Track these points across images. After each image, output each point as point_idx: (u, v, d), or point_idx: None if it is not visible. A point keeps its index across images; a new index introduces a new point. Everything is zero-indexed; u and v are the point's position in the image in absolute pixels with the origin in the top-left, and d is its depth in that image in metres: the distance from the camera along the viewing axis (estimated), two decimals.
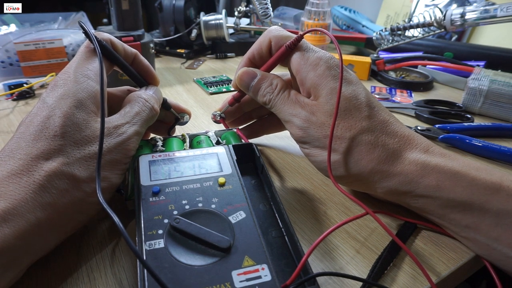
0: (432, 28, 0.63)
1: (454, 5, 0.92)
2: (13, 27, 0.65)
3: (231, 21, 0.81)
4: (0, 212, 0.20)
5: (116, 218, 0.21)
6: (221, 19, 0.76)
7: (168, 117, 0.37)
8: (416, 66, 0.70)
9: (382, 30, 0.70)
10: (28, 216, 0.21)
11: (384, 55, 0.75)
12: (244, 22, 0.87)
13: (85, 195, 0.24)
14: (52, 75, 0.59)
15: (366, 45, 0.87)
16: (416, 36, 0.66)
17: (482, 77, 0.52)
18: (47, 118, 0.25)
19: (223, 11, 0.77)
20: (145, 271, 0.20)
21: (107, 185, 0.26)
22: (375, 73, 0.69)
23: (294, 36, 0.31)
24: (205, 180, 0.27)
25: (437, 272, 0.26)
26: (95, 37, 0.29)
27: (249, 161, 0.31)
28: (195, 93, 0.59)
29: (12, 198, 0.21)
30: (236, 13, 0.79)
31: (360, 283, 0.24)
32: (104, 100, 0.27)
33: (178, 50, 0.78)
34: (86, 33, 0.29)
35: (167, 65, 0.74)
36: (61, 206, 0.23)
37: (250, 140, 0.36)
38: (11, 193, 0.21)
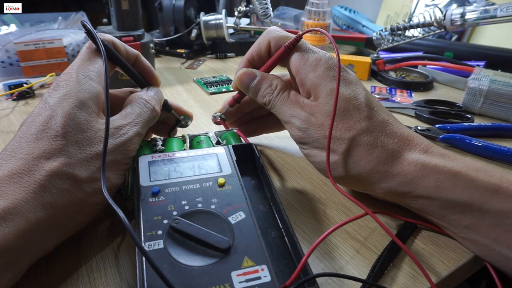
0: (432, 28, 0.63)
1: (454, 5, 0.92)
2: (13, 27, 0.65)
3: (231, 21, 0.81)
4: (0, 211, 0.20)
5: (121, 213, 0.21)
6: (221, 19, 0.76)
7: (169, 119, 0.37)
8: (416, 66, 0.70)
9: (382, 30, 0.70)
10: (29, 216, 0.21)
11: (384, 55, 0.75)
12: (244, 22, 0.87)
13: (85, 195, 0.24)
14: (52, 75, 0.59)
15: (366, 45, 0.87)
16: (416, 36, 0.66)
17: (482, 77, 0.52)
18: (49, 118, 0.25)
19: (223, 11, 0.77)
20: (144, 267, 0.20)
21: (108, 185, 0.26)
22: (375, 73, 0.69)
23: (293, 36, 0.31)
24: (205, 181, 0.27)
25: (437, 272, 0.26)
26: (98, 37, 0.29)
27: (249, 161, 0.31)
28: (195, 93, 0.59)
29: (13, 198, 0.21)
30: (236, 13, 0.79)
31: (360, 283, 0.24)
32: (108, 100, 0.27)
33: (178, 50, 0.78)
34: (89, 33, 0.29)
35: (167, 65, 0.74)
36: (62, 206, 0.23)
37: (250, 140, 0.36)
38: (11, 193, 0.21)
